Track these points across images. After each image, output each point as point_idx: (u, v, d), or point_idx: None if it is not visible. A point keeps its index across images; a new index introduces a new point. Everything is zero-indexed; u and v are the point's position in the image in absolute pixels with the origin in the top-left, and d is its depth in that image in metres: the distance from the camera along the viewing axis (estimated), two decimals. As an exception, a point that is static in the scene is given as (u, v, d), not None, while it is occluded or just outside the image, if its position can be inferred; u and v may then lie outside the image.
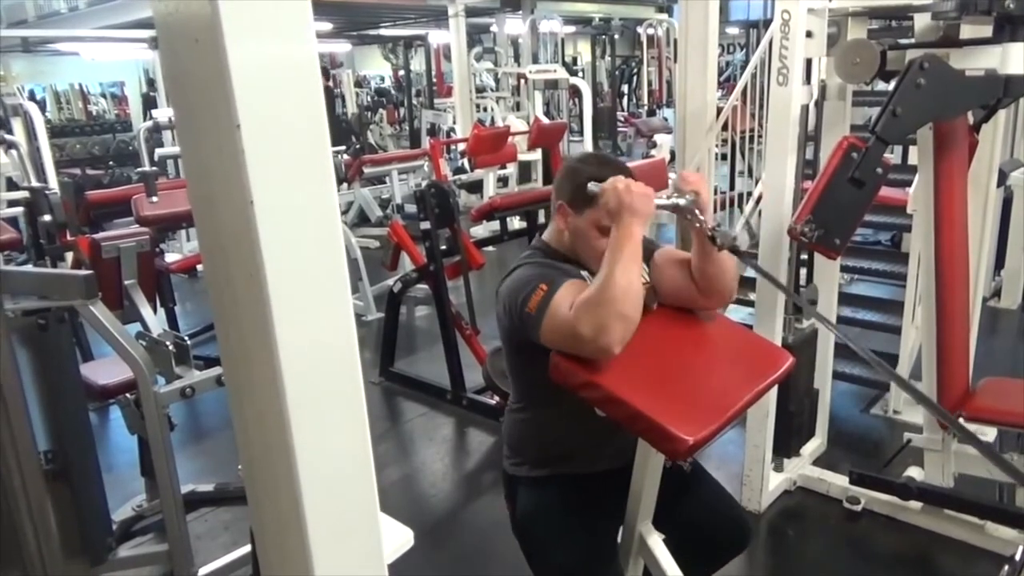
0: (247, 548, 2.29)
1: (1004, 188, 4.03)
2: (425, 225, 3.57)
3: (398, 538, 1.10)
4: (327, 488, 0.87)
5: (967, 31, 2.20)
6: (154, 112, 5.37)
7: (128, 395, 2.48)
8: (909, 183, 2.99)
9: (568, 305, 1.48)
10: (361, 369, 0.90)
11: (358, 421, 0.90)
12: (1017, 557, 1.38)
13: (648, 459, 1.68)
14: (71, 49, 9.65)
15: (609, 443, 1.74)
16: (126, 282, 2.52)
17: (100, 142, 9.76)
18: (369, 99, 14.44)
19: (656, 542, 1.79)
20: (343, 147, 7.40)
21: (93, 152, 9.22)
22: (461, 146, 7.49)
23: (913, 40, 2.28)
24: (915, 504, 2.57)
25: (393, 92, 15.22)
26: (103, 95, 14.04)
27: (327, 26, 11.88)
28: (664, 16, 12.69)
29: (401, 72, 13.98)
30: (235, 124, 0.75)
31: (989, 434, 2.66)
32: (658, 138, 6.16)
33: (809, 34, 2.34)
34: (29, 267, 3.67)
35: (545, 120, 7.43)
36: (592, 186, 1.59)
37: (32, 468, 1.51)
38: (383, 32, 14.19)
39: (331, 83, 11.77)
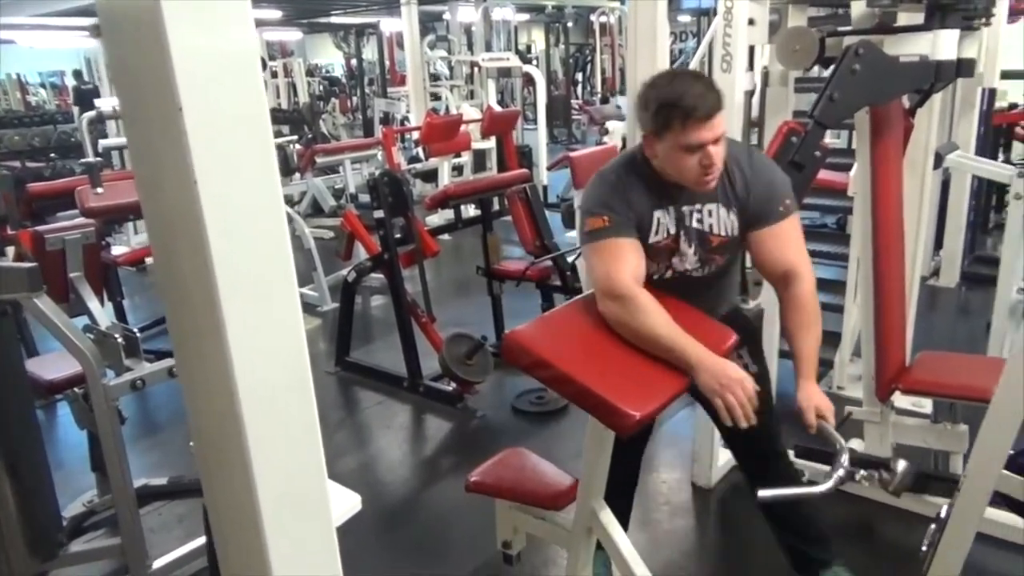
0: (202, 540, 2.27)
1: (942, 171, 4.19)
2: (379, 214, 3.56)
3: (346, 502, 1.12)
4: (276, 455, 0.89)
5: (902, 18, 2.29)
6: (97, 102, 5.22)
7: (76, 390, 2.45)
8: (852, 167, 3.08)
9: (618, 263, 1.63)
10: (307, 346, 0.92)
11: (304, 390, 0.92)
12: (942, 515, 1.46)
13: (598, 437, 1.72)
14: (7, 37, 9.32)
15: None
16: (71, 275, 2.48)
17: (40, 133, 9.44)
18: (321, 88, 14.26)
19: (609, 518, 1.84)
20: (295, 136, 7.32)
21: (33, 144, 8.91)
22: (415, 135, 7.45)
23: (850, 27, 2.35)
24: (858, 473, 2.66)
25: (345, 81, 15.06)
26: (42, 85, 13.61)
27: (276, 14, 11.69)
28: (616, 4, 12.79)
29: (353, 61, 13.83)
30: (177, 107, 0.76)
31: (926, 406, 2.77)
32: (610, 125, 6.22)
33: (751, 22, 2.40)
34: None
35: (498, 108, 7.44)
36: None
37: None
38: (334, 20, 14.01)
39: (283, 72, 11.59)
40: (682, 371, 1.55)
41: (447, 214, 4.73)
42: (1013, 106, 5.46)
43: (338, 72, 16.67)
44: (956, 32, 2.07)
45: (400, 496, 2.99)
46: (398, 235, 3.72)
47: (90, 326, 2.38)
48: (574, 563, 1.94)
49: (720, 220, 1.75)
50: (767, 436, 1.98)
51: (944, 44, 2.09)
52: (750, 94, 2.52)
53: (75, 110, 8.06)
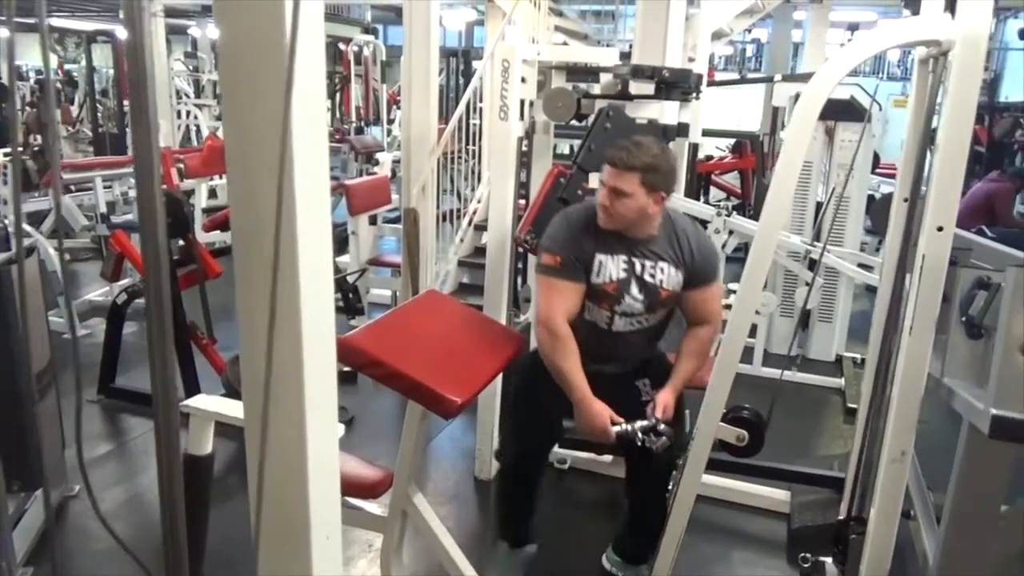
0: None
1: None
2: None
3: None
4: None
5: (635, 87, 2.88)
6: None
7: None
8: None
9: (557, 302, 2.03)
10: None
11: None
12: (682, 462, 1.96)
13: (413, 426, 2.01)
14: None
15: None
16: None
17: None
18: (34, 96, 12.78)
19: (420, 499, 2.12)
20: (19, 148, 6.58)
21: None
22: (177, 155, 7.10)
23: (599, 91, 2.90)
24: (607, 457, 3.20)
25: (62, 88, 13.63)
26: None
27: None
28: (371, 37, 13.11)
29: (70, 66, 12.63)
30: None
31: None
32: (380, 156, 6.53)
33: (523, 79, 2.85)
34: None
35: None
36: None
37: None
38: (55, 22, 12.70)
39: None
40: (492, 363, 1.91)
41: (222, 236, 4.69)
42: (709, 158, 6.70)
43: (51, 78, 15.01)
44: (676, 103, 2.69)
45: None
46: (175, 256, 3.67)
47: None
48: (388, 545, 2.19)
49: (669, 277, 2.12)
50: (665, 462, 2.27)
51: (668, 111, 2.70)
52: (521, 140, 2.97)
53: None
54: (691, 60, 5.26)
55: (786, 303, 4.50)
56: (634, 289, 2.10)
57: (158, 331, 0.93)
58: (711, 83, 6.02)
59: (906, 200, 1.91)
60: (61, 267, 4.60)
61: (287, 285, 0.99)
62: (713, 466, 2.27)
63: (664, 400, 2.09)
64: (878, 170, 6.60)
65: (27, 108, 10.90)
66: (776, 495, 2.98)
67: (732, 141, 7.21)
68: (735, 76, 10.99)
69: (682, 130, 2.78)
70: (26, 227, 5.09)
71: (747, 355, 4.04)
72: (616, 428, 2.02)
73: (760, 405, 2.19)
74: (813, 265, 4.01)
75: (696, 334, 2.19)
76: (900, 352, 1.72)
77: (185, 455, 1.77)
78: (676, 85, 2.59)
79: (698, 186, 6.23)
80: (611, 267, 2.09)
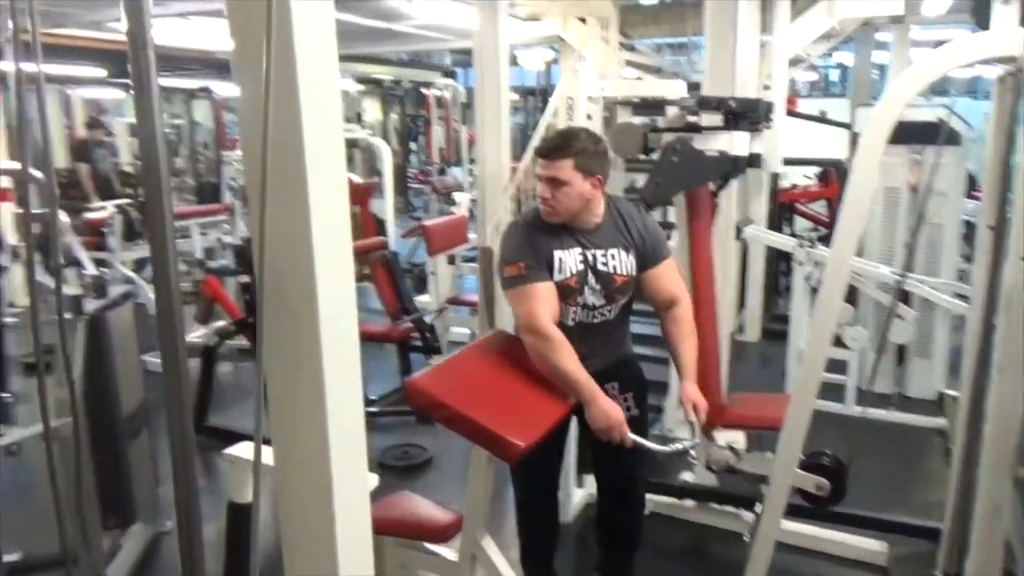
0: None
1: (741, 241, 4.93)
2: (245, 279, 3.65)
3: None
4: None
5: (706, 119, 2.83)
6: None
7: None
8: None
9: (535, 306, 1.94)
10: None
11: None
12: (757, 511, 1.87)
13: (481, 470, 1.99)
14: None
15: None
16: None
17: None
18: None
19: (490, 544, 2.10)
20: (126, 200, 7.06)
21: None
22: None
23: (666, 125, 2.87)
24: (689, 502, 3.09)
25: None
26: None
27: (101, 72, 11.23)
28: (450, 81, 13.47)
29: (176, 121, 13.46)
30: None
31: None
32: (457, 196, 6.66)
33: (589, 116, 2.86)
34: None
35: (356, 179, 7.62)
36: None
37: None
38: (163, 82, 13.61)
39: (102, 132, 11.05)
40: (558, 406, 1.87)
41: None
42: (794, 186, 6.49)
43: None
44: (747, 134, 2.62)
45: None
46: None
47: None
48: (459, 590, 2.17)
49: (621, 262, 2.15)
50: (634, 463, 2.33)
51: (738, 142, 2.63)
52: (590, 176, 2.96)
53: None
54: (766, 88, 5.16)
55: (880, 337, 4.27)
56: (591, 279, 2.11)
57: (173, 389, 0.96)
58: (791, 113, 5.85)
59: (991, 227, 1.79)
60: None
61: (308, 336, 1.06)
62: (797, 512, 2.16)
63: (693, 396, 2.08)
64: (975, 193, 6.24)
65: (136, 162, 11.70)
66: (870, 546, 2.80)
67: (819, 169, 6.97)
68: (819, 101, 10.70)
69: (754, 160, 2.70)
70: (130, 273, 5.43)
71: (838, 393, 3.85)
72: (650, 444, 2.02)
73: (852, 448, 2.07)
74: (905, 297, 3.81)
75: (674, 316, 2.19)
76: (991, 391, 1.60)
77: (229, 502, 1.81)
78: (744, 115, 2.52)
79: (780, 216, 6.04)
80: (569, 261, 2.10)
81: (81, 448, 1.84)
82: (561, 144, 2.03)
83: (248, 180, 1.09)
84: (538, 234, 2.08)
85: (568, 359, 1.93)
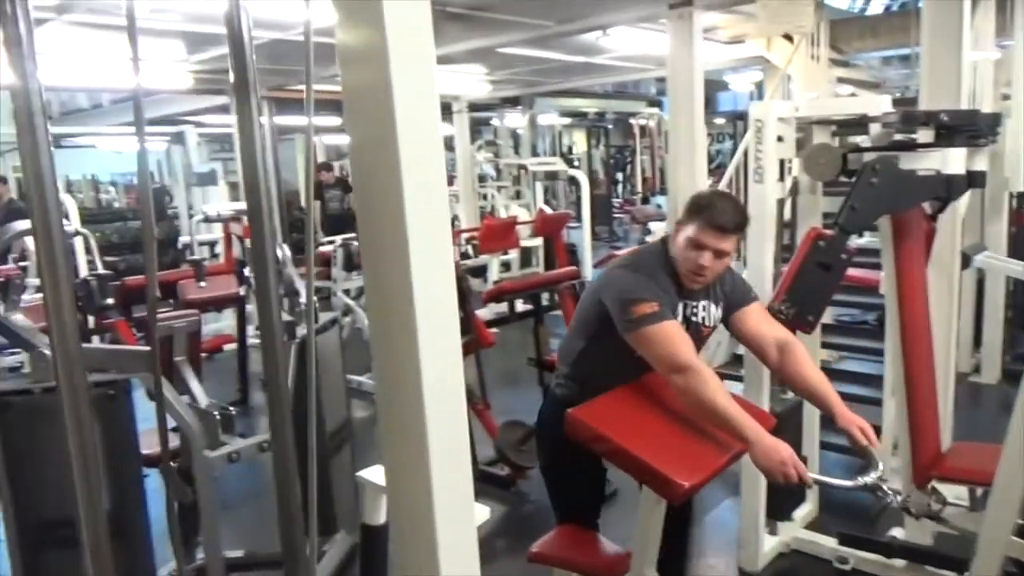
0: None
1: (977, 270, 4.36)
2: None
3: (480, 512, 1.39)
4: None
5: (920, 136, 2.56)
6: (205, 207, 6.00)
7: (172, 463, 2.71)
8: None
9: (677, 342, 1.88)
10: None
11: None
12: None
13: (650, 508, 1.92)
14: (89, 142, 10.17)
15: None
16: (176, 358, 2.79)
17: (116, 230, 10.20)
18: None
19: (658, 585, 2.01)
20: (352, 235, 7.75)
21: (111, 240, 9.64)
22: (466, 233, 7.88)
23: (869, 144, 2.63)
24: (899, 562, 2.76)
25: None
26: (112, 184, 14.58)
27: (336, 120, 12.51)
28: (655, 110, 13.39)
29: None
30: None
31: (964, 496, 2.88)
32: (652, 225, 6.58)
33: (780, 139, 2.69)
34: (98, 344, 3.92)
35: (548, 210, 7.85)
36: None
37: (101, 529, 1.69)
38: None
39: (331, 175, 12.19)
40: (727, 446, 1.76)
41: (499, 307, 5.02)
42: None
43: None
44: (963, 150, 2.33)
45: None
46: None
47: (191, 404, 2.67)
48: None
49: (711, 314, 2.14)
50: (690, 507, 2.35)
51: (952, 160, 2.35)
52: (781, 201, 2.79)
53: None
54: (1005, 99, 4.56)
55: None
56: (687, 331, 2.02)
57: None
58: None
59: None
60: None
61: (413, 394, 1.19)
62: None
63: (853, 419, 1.94)
64: None
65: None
66: None
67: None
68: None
69: (976, 179, 2.39)
70: (349, 301, 5.94)
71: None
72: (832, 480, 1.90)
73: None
74: None
75: (799, 358, 2.07)
76: None
77: (362, 524, 1.85)
78: (959, 130, 2.25)
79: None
80: (680, 310, 2.08)
81: (294, 460, 2.02)
82: (743, 223, 2.05)
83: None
84: (666, 279, 2.06)
85: (722, 394, 1.81)
